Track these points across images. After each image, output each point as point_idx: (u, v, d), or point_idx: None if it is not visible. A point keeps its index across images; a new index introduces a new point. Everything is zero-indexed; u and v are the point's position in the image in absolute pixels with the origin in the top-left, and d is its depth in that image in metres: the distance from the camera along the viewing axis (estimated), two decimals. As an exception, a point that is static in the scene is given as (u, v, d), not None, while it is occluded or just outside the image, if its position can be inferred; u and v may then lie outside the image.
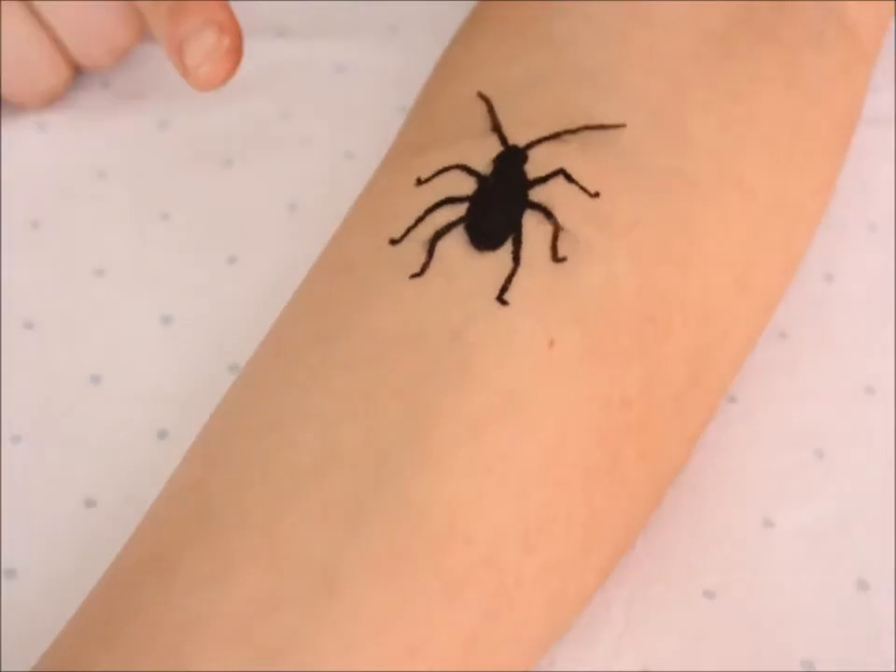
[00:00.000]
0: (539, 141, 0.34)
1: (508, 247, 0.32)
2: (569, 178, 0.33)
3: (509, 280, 0.32)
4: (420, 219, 0.33)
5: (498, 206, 0.33)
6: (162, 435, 0.40)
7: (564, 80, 0.35)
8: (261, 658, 0.28)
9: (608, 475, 0.32)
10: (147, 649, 0.29)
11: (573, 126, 0.34)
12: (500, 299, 0.32)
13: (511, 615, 0.31)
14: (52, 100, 0.44)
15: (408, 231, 0.33)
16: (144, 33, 0.43)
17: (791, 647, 0.37)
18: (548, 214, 0.33)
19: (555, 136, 0.34)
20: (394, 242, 0.33)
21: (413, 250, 0.33)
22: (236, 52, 0.36)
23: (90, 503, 0.39)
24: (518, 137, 0.34)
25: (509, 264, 0.32)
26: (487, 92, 0.35)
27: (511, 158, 0.34)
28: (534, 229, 0.33)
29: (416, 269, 0.32)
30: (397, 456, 0.30)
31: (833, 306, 0.43)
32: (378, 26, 0.47)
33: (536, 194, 0.33)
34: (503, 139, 0.34)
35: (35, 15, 0.42)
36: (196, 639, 0.28)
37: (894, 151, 0.46)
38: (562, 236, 0.32)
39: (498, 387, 0.31)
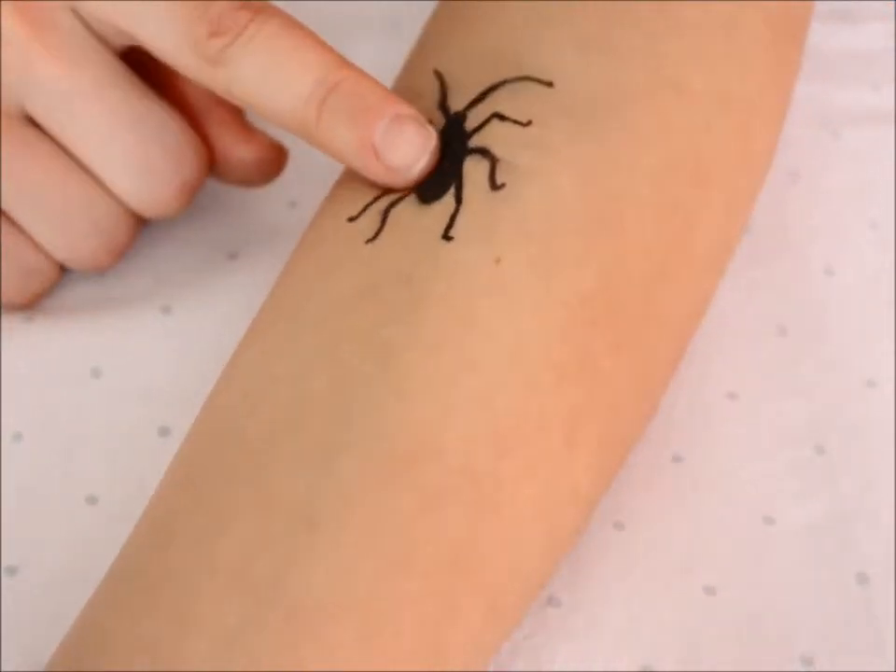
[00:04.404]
0: (474, 102, 0.35)
1: (452, 193, 0.34)
2: (502, 117, 0.35)
3: (452, 218, 0.33)
4: (377, 197, 0.35)
5: (441, 163, 0.35)
6: (164, 432, 0.40)
7: (496, 42, 0.37)
8: (256, 597, 0.30)
9: (579, 369, 0.33)
10: (149, 607, 0.30)
11: (501, 79, 0.35)
12: (446, 236, 0.33)
13: (498, 519, 0.32)
14: (121, 255, 0.42)
15: (365, 207, 0.35)
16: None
17: (792, 643, 0.37)
18: (485, 152, 0.34)
19: (487, 93, 0.35)
20: (352, 219, 0.35)
21: (370, 222, 0.34)
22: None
23: (91, 500, 0.39)
24: (459, 106, 0.36)
25: (453, 207, 0.34)
26: (431, 78, 0.37)
27: (454, 123, 0.35)
28: (474, 169, 0.34)
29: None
30: (361, 394, 0.31)
31: (834, 301, 0.43)
32: (381, 23, 0.47)
33: (475, 142, 0.35)
34: (446, 112, 0.36)
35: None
36: (194, 592, 0.30)
37: (894, 150, 0.46)
38: (500, 167, 0.34)
39: (449, 310, 0.32)
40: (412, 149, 0.34)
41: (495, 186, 0.34)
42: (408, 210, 0.34)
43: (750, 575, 0.38)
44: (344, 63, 0.35)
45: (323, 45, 0.35)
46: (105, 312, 0.42)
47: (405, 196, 0.34)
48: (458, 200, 0.34)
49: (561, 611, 0.37)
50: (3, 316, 0.42)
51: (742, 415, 0.41)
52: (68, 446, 0.40)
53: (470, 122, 0.35)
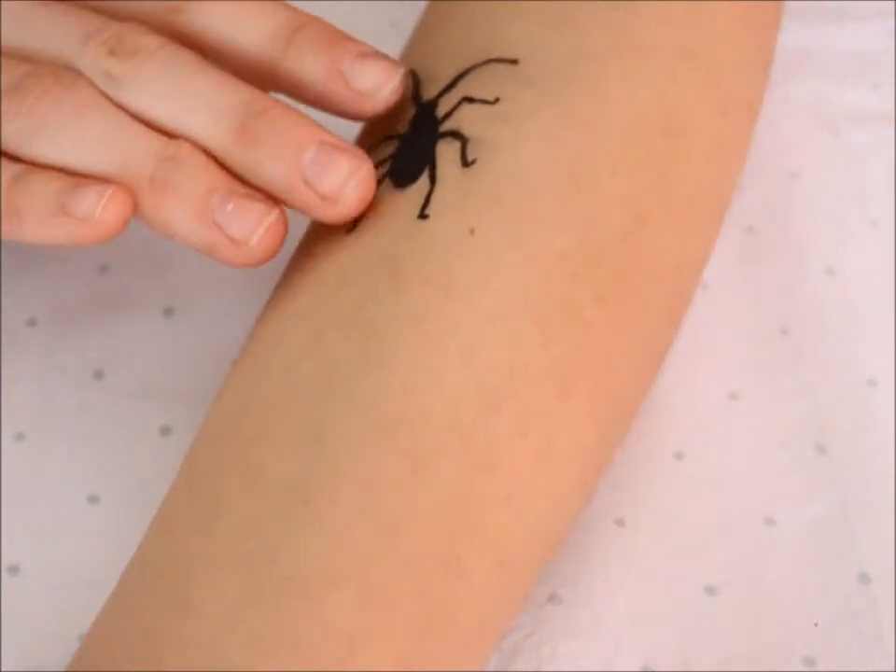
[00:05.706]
0: (444, 91, 0.36)
1: (427, 176, 0.35)
2: (471, 100, 0.36)
3: (427, 198, 0.34)
4: None
5: (414, 148, 0.35)
6: (165, 431, 0.40)
7: (465, 33, 0.37)
8: (251, 574, 0.30)
9: (564, 322, 0.34)
10: (150, 599, 0.31)
11: (469, 65, 0.36)
12: (422, 215, 0.34)
13: (494, 474, 0.32)
14: None
15: None
16: None
17: (793, 643, 0.37)
18: (455, 134, 0.35)
19: (456, 80, 0.36)
20: None
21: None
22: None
23: (93, 500, 0.39)
24: (432, 95, 0.37)
25: (428, 187, 0.35)
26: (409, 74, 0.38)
27: (425, 111, 0.36)
28: (447, 151, 0.35)
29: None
30: (345, 371, 0.32)
31: (834, 300, 0.43)
32: (380, 22, 0.47)
33: (447, 126, 0.36)
34: (418, 101, 0.37)
35: None
36: (191, 578, 0.31)
37: (894, 149, 0.46)
38: (471, 145, 0.35)
39: (428, 282, 0.33)
40: (379, 75, 0.35)
41: (466, 163, 0.35)
42: (385, 197, 0.35)
43: (751, 575, 0.38)
44: (307, 13, 0.36)
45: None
46: (108, 313, 0.42)
47: (381, 182, 0.35)
48: (432, 180, 0.35)
49: (562, 609, 0.37)
50: (5, 318, 0.42)
51: (743, 415, 0.41)
52: (70, 446, 0.40)
53: (442, 110, 0.36)
